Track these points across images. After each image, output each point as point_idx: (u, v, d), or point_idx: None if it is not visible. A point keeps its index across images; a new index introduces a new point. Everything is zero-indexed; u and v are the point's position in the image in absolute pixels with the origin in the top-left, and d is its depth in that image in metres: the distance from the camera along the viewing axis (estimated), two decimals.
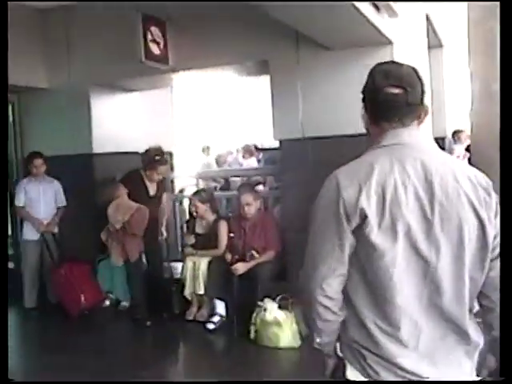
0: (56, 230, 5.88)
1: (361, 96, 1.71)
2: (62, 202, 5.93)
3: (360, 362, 1.60)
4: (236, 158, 10.06)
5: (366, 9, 3.77)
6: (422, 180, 1.53)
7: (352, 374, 1.63)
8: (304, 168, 4.79)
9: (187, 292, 5.20)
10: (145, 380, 3.14)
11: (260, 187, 7.30)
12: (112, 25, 5.78)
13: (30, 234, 5.78)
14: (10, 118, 6.61)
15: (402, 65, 1.67)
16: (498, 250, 1.59)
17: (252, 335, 4.60)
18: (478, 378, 1.70)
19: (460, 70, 6.61)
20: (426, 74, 6.19)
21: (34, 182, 5.77)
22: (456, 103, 8.90)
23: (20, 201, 5.71)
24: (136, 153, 6.58)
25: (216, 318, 4.99)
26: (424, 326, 1.54)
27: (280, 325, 4.46)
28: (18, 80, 5.98)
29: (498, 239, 1.59)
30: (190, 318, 5.20)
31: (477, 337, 1.60)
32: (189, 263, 5.23)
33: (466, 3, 5.85)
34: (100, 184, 6.27)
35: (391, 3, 4.21)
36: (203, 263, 5.16)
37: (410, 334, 1.54)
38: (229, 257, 5.08)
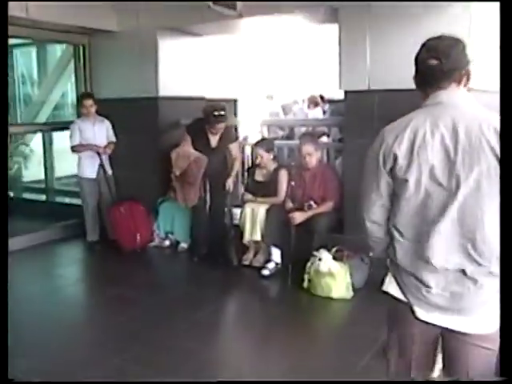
0: (110, 151, 6.02)
1: None
2: (112, 137, 6.09)
3: (394, 271, 2.07)
4: (301, 107, 9.95)
5: None
6: (450, 129, 1.88)
7: (389, 280, 2.11)
8: (368, 121, 4.69)
9: (246, 238, 5.29)
10: (148, 380, 3.30)
11: (324, 138, 7.24)
12: None
13: (87, 171, 5.97)
14: (81, 61, 6.78)
15: (444, 39, 2.01)
16: None
17: (305, 284, 4.67)
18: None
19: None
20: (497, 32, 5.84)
21: (87, 121, 5.94)
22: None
23: (76, 140, 5.89)
24: (201, 98, 6.67)
25: (271, 265, 5.08)
26: (444, 240, 1.90)
27: (333, 276, 4.49)
28: (88, 22, 6.12)
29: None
30: (246, 263, 5.32)
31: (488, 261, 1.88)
32: (247, 210, 5.31)
33: None
34: (165, 127, 6.40)
35: None
36: (262, 210, 5.22)
37: (421, 248, 1.94)
38: (289, 205, 5.12)
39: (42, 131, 7.69)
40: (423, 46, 2.04)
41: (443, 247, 1.90)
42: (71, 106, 8.38)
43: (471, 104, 1.98)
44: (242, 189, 5.71)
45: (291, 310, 4.42)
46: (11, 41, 8.15)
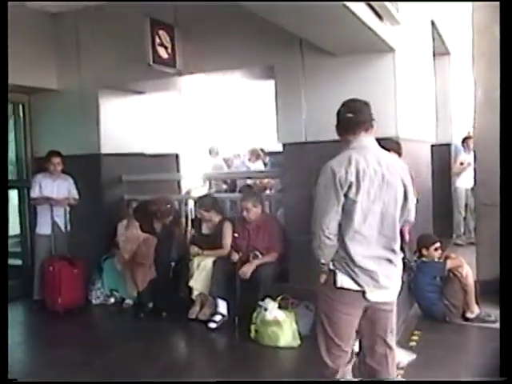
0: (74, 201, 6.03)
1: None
2: (75, 195, 6.09)
3: (346, 268, 2.75)
4: (243, 161, 10.12)
5: (368, 17, 3.85)
6: (377, 164, 2.74)
7: (340, 277, 2.76)
8: (305, 171, 4.85)
9: (194, 291, 5.28)
10: (145, 380, 3.24)
11: (267, 192, 7.39)
12: (121, 29, 5.91)
13: (43, 228, 5.95)
14: (21, 118, 6.76)
15: (357, 100, 2.93)
16: (410, 204, 2.91)
17: (252, 334, 4.68)
18: None
19: (467, 77, 6.67)
20: (430, 81, 6.27)
21: (49, 178, 5.95)
22: (462, 110, 8.95)
23: (35, 192, 5.89)
24: (142, 154, 6.74)
25: (218, 317, 5.09)
26: (373, 244, 2.76)
27: (280, 324, 4.54)
28: (29, 81, 6.15)
29: (411, 197, 2.89)
30: (193, 316, 5.29)
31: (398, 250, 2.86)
32: (195, 263, 5.33)
33: (470, 10, 5.92)
34: (107, 183, 6.41)
35: (394, 12, 4.28)
36: (209, 263, 5.26)
37: (366, 248, 2.74)
38: (235, 257, 5.17)
39: None
40: (343, 105, 2.91)
41: (378, 245, 2.76)
42: (10, 163, 8.24)
43: (378, 147, 2.88)
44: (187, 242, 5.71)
45: (239, 362, 4.41)
46: None
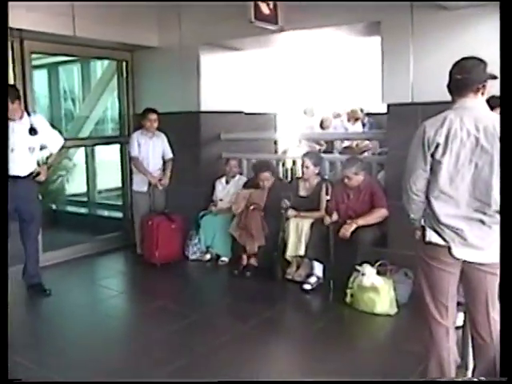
0: (166, 183, 6.15)
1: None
2: (169, 154, 6.22)
3: (432, 225, 2.81)
4: (342, 121, 9.90)
5: None
6: (473, 127, 2.68)
7: (429, 233, 2.82)
8: (411, 134, 4.61)
9: (289, 253, 5.26)
10: (148, 380, 3.32)
11: (365, 154, 7.19)
12: None
13: (140, 185, 6.14)
14: (124, 76, 6.91)
15: (469, 59, 2.80)
16: None
17: (348, 299, 4.61)
18: None
19: None
20: None
21: (146, 135, 6.09)
22: None
23: (135, 151, 6.05)
24: (240, 112, 6.72)
25: (313, 279, 5.05)
26: (462, 205, 2.73)
27: (377, 290, 4.43)
28: (131, 39, 6.25)
29: None
30: (289, 277, 5.29)
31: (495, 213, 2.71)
32: (292, 225, 5.29)
33: None
34: (206, 141, 6.46)
35: None
36: (306, 225, 5.20)
37: (453, 207, 2.75)
38: (334, 217, 5.09)
39: (85, 146, 7.84)
40: (455, 64, 2.83)
41: (468, 207, 2.72)
42: (112, 121, 8.53)
43: (486, 109, 2.79)
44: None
45: (334, 325, 4.36)
46: (55, 58, 8.36)
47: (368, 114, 9.28)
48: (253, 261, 5.55)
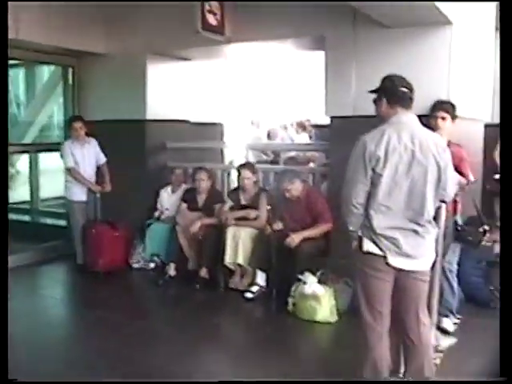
0: (109, 188, 6.08)
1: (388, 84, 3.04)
2: (103, 159, 6.16)
3: (370, 235, 2.91)
4: (288, 132, 10.03)
5: None
6: (409, 141, 2.84)
7: (366, 243, 2.93)
8: (351, 145, 4.74)
9: (227, 260, 5.29)
10: (148, 380, 3.33)
11: (311, 165, 7.31)
12: None
13: (78, 195, 6.00)
14: (70, 82, 6.82)
15: (404, 78, 3.04)
16: (445, 183, 2.93)
17: (290, 307, 4.68)
18: None
19: None
20: (490, 56, 5.97)
21: (77, 143, 5.97)
22: None
23: (70, 161, 5.91)
24: (186, 121, 6.73)
25: (255, 288, 5.09)
26: (398, 216, 2.88)
27: (318, 299, 4.51)
28: (78, 45, 6.18)
29: (446, 177, 2.92)
30: (232, 286, 5.32)
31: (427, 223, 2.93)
32: (229, 233, 5.33)
33: None
34: (151, 149, 6.45)
35: None
36: (244, 234, 5.26)
37: (390, 219, 2.88)
38: (278, 226, 5.13)
39: (29, 152, 7.68)
40: (398, 78, 3.03)
41: (403, 217, 2.87)
42: (58, 127, 8.38)
43: (419, 124, 2.97)
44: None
45: (275, 333, 4.41)
46: None
47: (315, 126, 9.43)
48: (203, 272, 5.50)
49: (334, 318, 4.54)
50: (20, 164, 8.34)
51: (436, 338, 3.74)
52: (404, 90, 2.96)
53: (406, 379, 3.11)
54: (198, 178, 5.74)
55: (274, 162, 8.61)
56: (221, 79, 7.57)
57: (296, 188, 5.12)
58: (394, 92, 2.96)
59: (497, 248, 4.85)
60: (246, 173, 5.45)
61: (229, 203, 5.62)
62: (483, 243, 4.93)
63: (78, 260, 6.09)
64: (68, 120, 6.12)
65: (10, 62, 7.88)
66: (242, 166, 5.65)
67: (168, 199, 6.22)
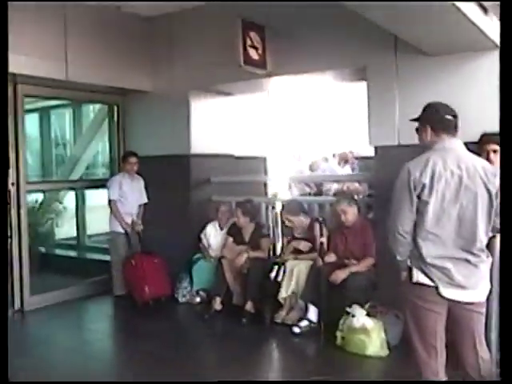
0: (141, 227, 6.20)
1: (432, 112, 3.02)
2: (145, 199, 6.33)
3: (420, 265, 2.82)
4: (329, 164, 9.99)
5: (471, 10, 3.60)
6: (456, 167, 2.77)
7: (417, 273, 2.83)
8: (397, 175, 4.68)
9: (282, 294, 5.22)
10: (147, 381, 3.28)
11: (355, 197, 7.24)
12: (212, 31, 5.97)
13: (118, 226, 6.14)
14: (115, 120, 6.98)
15: (446, 104, 3.01)
16: (498, 210, 2.81)
17: (339, 341, 4.57)
18: None
19: None
20: None
21: (127, 178, 6.16)
22: None
23: (115, 194, 6.07)
24: (231, 156, 6.78)
25: (304, 323, 4.97)
26: (448, 245, 2.78)
27: (368, 332, 4.40)
28: (124, 83, 6.33)
29: (498, 203, 2.79)
30: (278, 320, 5.24)
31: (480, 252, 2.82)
32: (289, 267, 5.29)
33: None
34: (196, 184, 6.49)
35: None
36: (303, 267, 5.21)
37: (440, 248, 2.79)
38: (331, 258, 5.11)
39: (75, 189, 7.85)
40: (442, 105, 2.99)
41: (454, 246, 2.77)
42: (103, 164, 8.56)
43: (464, 149, 2.91)
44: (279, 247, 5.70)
45: (324, 368, 4.30)
46: (46, 103, 8.46)
47: (357, 158, 9.37)
48: (249, 306, 5.42)
49: (384, 352, 4.41)
50: (67, 200, 8.53)
51: (498, 375, 3.56)
52: (449, 117, 2.90)
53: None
54: (235, 215, 5.82)
55: (317, 194, 8.58)
56: (263, 113, 7.63)
57: (353, 212, 5.10)
58: (438, 120, 2.91)
59: None
60: (289, 216, 5.56)
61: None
62: None
63: (115, 291, 6.16)
64: (123, 155, 6.30)
65: (57, 102, 8.20)
66: (283, 208, 5.74)
67: (215, 235, 6.21)
